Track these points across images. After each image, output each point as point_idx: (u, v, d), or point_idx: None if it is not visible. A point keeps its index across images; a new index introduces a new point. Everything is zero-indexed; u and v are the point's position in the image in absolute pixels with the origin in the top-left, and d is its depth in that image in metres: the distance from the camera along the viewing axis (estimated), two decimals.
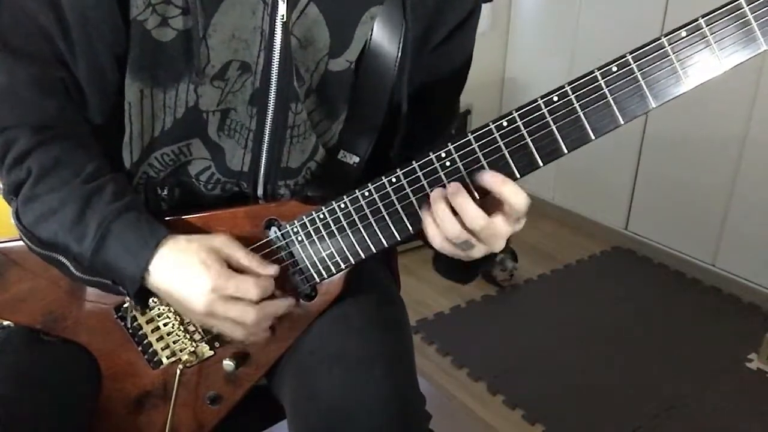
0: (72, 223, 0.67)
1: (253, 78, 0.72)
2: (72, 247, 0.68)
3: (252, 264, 0.70)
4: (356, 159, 0.81)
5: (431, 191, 0.66)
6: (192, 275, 0.66)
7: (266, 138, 0.76)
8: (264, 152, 0.76)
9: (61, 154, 0.69)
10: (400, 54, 0.77)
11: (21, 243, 0.73)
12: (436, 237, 0.66)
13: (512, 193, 0.62)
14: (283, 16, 0.70)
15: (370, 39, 0.76)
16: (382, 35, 0.76)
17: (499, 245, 0.66)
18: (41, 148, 0.68)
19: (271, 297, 0.71)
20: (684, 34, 0.57)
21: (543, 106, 0.61)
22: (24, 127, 0.68)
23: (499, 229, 0.64)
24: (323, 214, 0.71)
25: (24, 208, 0.69)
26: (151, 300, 0.76)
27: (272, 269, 0.71)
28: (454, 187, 0.64)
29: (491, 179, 0.63)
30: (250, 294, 0.67)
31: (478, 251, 0.67)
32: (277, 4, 0.69)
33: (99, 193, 0.68)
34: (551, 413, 1.72)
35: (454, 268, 0.76)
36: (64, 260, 0.69)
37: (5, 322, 0.78)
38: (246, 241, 0.73)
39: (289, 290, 0.75)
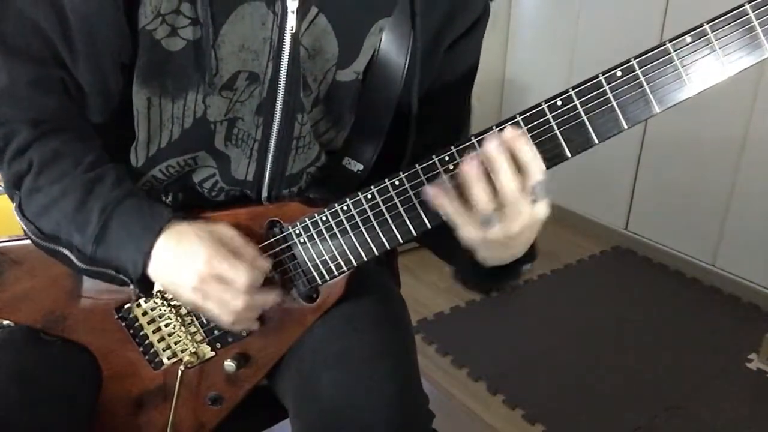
0: (74, 212, 0.67)
1: (260, 88, 0.72)
2: (75, 236, 0.68)
3: (247, 252, 0.70)
4: (360, 167, 0.81)
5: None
6: (188, 250, 0.67)
7: (272, 148, 0.75)
8: (269, 162, 0.76)
9: (60, 146, 0.69)
10: (407, 65, 0.77)
11: (21, 242, 0.73)
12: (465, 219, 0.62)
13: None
14: (292, 27, 0.69)
15: (378, 50, 0.76)
16: (390, 47, 0.76)
17: (519, 237, 0.63)
18: (41, 140, 0.69)
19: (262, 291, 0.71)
20: (689, 39, 0.56)
21: (547, 111, 0.61)
22: (24, 121, 0.68)
23: (523, 208, 0.60)
24: (325, 216, 0.71)
25: (27, 200, 0.69)
26: (153, 300, 0.76)
27: (266, 264, 0.71)
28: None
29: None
30: (240, 279, 0.67)
31: (496, 235, 0.62)
32: (287, 15, 0.69)
33: (100, 181, 0.69)
34: (551, 413, 1.72)
35: (479, 274, 0.73)
36: (67, 252, 0.69)
37: (5, 322, 0.78)
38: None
39: (291, 291, 0.75)
